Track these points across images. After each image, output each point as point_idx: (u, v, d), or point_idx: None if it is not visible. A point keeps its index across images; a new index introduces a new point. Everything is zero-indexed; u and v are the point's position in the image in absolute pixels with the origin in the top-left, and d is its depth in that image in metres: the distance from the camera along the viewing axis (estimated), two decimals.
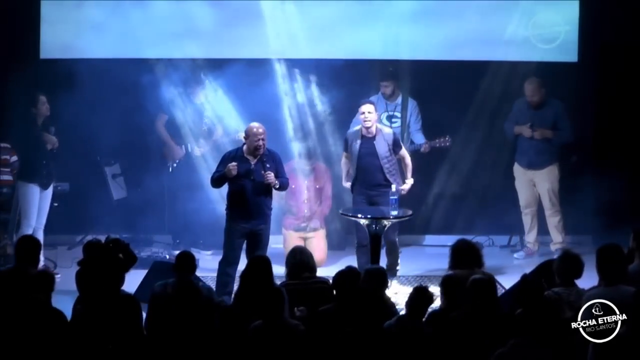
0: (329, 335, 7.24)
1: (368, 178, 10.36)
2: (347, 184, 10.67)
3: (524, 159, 11.74)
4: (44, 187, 10.81)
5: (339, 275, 7.72)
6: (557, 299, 7.49)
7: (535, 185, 11.77)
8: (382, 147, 10.35)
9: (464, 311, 7.26)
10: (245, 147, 9.75)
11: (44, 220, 10.86)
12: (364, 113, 10.33)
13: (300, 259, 8.42)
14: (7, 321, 7.16)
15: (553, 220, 11.78)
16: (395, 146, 10.43)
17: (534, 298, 6.92)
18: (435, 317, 7.40)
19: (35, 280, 7.53)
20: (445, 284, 7.75)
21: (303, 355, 7.19)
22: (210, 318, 7.61)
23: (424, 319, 7.35)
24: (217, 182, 9.83)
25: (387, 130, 10.53)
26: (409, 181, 10.50)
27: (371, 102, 10.50)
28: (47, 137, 10.78)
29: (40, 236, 10.68)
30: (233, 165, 9.59)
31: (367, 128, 10.34)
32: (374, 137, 10.36)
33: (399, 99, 11.96)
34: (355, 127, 10.67)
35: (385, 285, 7.98)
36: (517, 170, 11.84)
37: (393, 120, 11.91)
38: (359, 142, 10.38)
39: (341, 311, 7.43)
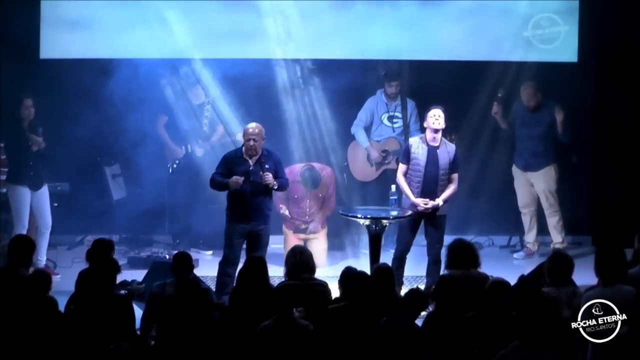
0: (338, 334, 7.17)
1: (427, 190, 9.79)
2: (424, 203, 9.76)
3: (520, 161, 11.76)
4: (34, 188, 10.70)
5: (348, 274, 7.71)
6: (555, 298, 7.50)
7: (533, 185, 11.78)
8: (444, 159, 9.75)
9: (479, 312, 7.23)
10: (244, 148, 9.75)
11: (48, 222, 10.77)
12: (434, 116, 9.70)
13: (300, 259, 8.31)
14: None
15: (552, 221, 11.77)
16: (454, 163, 9.80)
17: (531, 297, 6.92)
18: (434, 318, 7.38)
19: (29, 280, 7.53)
20: (440, 285, 7.63)
21: (312, 356, 7.16)
22: (209, 318, 7.59)
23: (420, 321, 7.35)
24: (217, 187, 9.75)
25: (451, 146, 9.90)
26: (439, 200, 9.75)
27: (440, 108, 9.79)
28: (32, 139, 10.66)
29: (46, 238, 10.69)
30: (239, 178, 9.53)
31: (436, 131, 9.70)
32: (438, 147, 9.76)
33: (398, 99, 11.95)
34: (412, 137, 10.29)
35: (394, 283, 7.96)
36: (515, 171, 11.86)
37: (394, 120, 11.90)
38: (425, 149, 9.77)
39: (351, 310, 7.29)
